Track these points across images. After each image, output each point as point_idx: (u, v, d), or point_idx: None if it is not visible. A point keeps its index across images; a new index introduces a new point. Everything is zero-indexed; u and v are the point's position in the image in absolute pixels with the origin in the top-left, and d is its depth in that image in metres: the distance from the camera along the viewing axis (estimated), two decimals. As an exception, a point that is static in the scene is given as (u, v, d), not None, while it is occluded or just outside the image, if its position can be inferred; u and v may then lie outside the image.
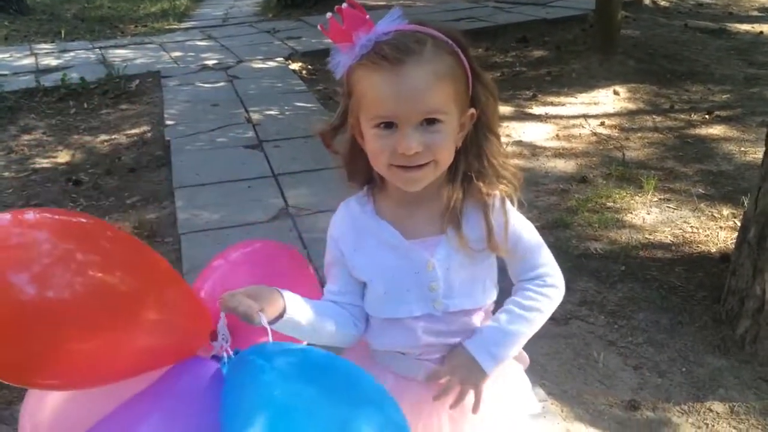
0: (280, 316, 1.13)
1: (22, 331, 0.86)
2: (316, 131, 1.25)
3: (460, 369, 1.23)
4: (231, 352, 1.12)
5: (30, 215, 0.96)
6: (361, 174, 1.25)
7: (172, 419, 1.00)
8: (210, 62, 6.42)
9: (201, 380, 1.06)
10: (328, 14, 1.13)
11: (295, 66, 6.33)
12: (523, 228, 1.30)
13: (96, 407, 1.05)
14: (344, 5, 1.12)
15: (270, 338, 1.06)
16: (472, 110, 1.17)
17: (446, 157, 1.16)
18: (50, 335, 0.88)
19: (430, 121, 1.11)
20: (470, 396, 1.24)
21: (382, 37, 1.09)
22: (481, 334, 1.25)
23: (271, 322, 1.10)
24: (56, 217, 0.99)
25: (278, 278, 1.26)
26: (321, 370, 1.05)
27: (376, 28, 1.11)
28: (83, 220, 1.02)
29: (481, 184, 1.20)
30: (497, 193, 1.23)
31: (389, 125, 1.10)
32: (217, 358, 1.13)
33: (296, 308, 1.15)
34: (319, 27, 1.17)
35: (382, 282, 1.22)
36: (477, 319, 1.27)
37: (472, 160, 1.20)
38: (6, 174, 4.41)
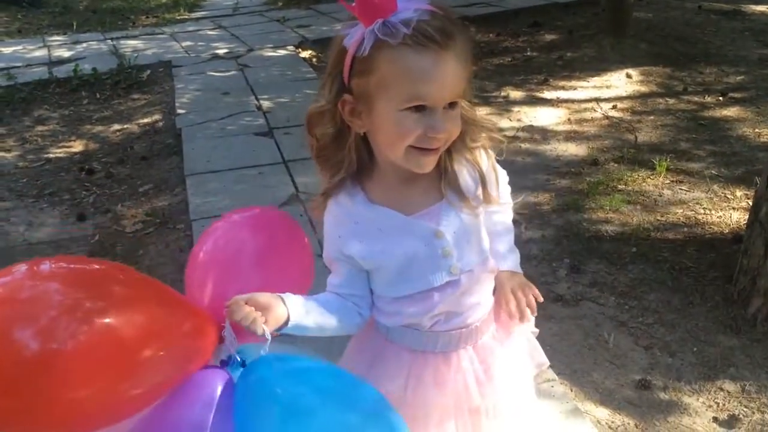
0: (285, 324, 1.15)
1: (23, 385, 0.88)
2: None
3: (512, 280, 1.31)
4: (238, 358, 1.14)
5: (46, 266, 0.97)
6: (335, 165, 1.21)
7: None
8: (220, 51, 6.43)
9: (212, 391, 1.08)
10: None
11: (305, 54, 6.33)
12: (504, 177, 1.37)
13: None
14: None
15: (267, 347, 1.09)
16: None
17: (455, 137, 1.17)
18: (52, 386, 0.89)
19: (452, 104, 1.12)
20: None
21: (421, 16, 1.05)
22: (506, 262, 1.35)
23: (276, 330, 1.12)
24: (71, 266, 1.01)
25: (275, 243, 1.31)
26: (324, 378, 1.10)
27: (403, 5, 1.06)
28: (97, 266, 1.03)
29: (466, 141, 1.21)
30: (480, 146, 1.23)
31: (420, 108, 1.09)
32: (224, 362, 1.15)
33: (299, 313, 1.16)
34: (339, 1, 1.12)
35: (395, 265, 1.21)
36: (489, 269, 1.29)
37: None
38: (20, 164, 4.46)
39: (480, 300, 1.29)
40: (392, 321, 1.26)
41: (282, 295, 1.16)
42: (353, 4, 1.08)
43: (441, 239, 1.20)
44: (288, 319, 1.14)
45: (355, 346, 1.36)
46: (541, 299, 1.30)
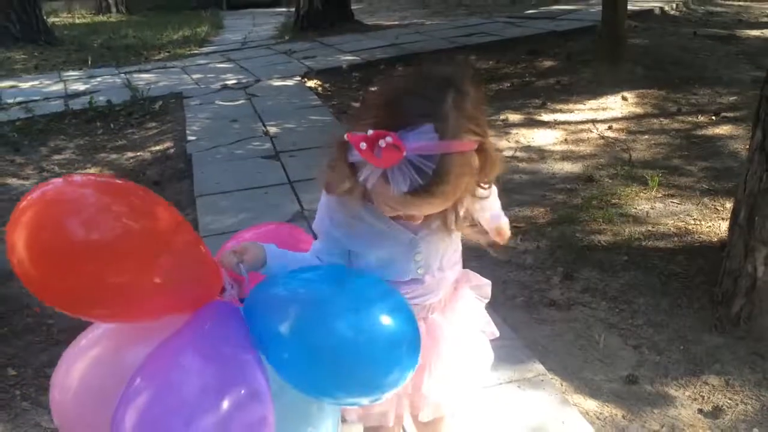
0: (262, 265, 1.34)
1: (75, 267, 1.08)
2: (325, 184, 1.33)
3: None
4: (238, 298, 1.30)
5: (77, 178, 1.21)
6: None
7: (204, 347, 1.18)
8: (229, 82, 6.67)
9: (222, 312, 1.26)
10: (363, 144, 1.11)
11: (311, 83, 6.56)
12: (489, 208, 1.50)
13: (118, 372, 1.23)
14: (371, 134, 1.11)
15: (246, 281, 1.30)
16: None
17: None
18: (95, 270, 1.08)
19: None
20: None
21: (416, 161, 1.10)
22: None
23: (255, 270, 1.33)
24: (98, 179, 1.23)
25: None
26: (327, 274, 1.30)
27: (408, 145, 1.10)
28: (119, 181, 1.24)
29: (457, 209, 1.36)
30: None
31: None
32: (223, 289, 1.33)
33: (276, 258, 1.35)
34: (347, 138, 1.15)
35: (375, 259, 1.39)
36: (450, 276, 1.48)
37: None
38: (38, 190, 4.65)
39: (437, 291, 1.47)
40: None
41: (265, 245, 1.35)
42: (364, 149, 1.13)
43: (417, 247, 1.38)
44: (265, 261, 1.33)
45: None
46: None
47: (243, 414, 1.11)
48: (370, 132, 1.11)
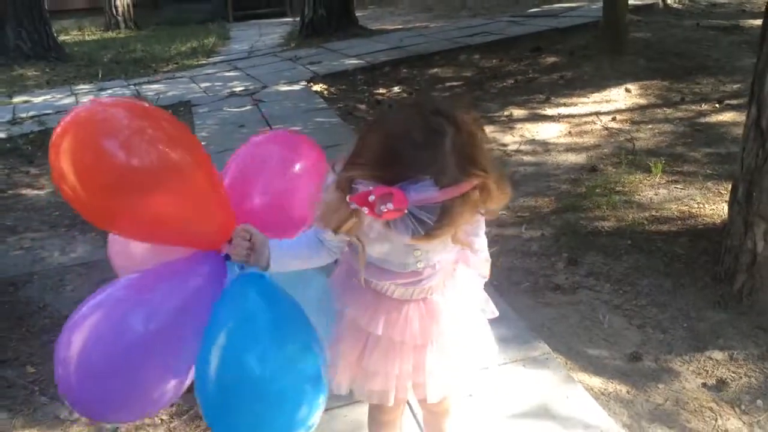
0: (264, 267, 1.40)
1: (116, 190, 1.15)
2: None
3: None
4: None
5: (106, 99, 1.24)
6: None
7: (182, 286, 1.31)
8: (237, 89, 6.77)
9: (210, 269, 1.37)
10: (365, 209, 1.15)
11: (317, 87, 6.63)
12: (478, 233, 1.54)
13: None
14: (372, 198, 1.14)
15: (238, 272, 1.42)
16: None
17: None
18: (133, 195, 1.16)
19: None
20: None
21: (417, 213, 1.15)
22: None
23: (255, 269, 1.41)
24: (127, 101, 1.27)
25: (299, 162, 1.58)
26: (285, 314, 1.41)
27: (410, 199, 1.13)
28: (146, 104, 1.30)
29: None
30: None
31: None
32: (228, 257, 1.44)
33: (278, 266, 1.41)
34: (349, 200, 1.18)
35: (376, 254, 1.41)
36: (447, 267, 1.49)
37: None
38: (53, 199, 4.74)
39: (436, 278, 1.48)
40: (368, 274, 1.46)
41: (274, 245, 1.39)
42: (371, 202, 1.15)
43: (417, 246, 1.38)
44: (267, 267, 1.40)
45: (336, 272, 1.58)
46: None
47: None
48: (372, 197, 1.13)
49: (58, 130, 1.15)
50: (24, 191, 4.87)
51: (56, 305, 3.16)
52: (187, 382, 1.44)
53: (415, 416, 2.09)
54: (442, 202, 1.15)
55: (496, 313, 1.62)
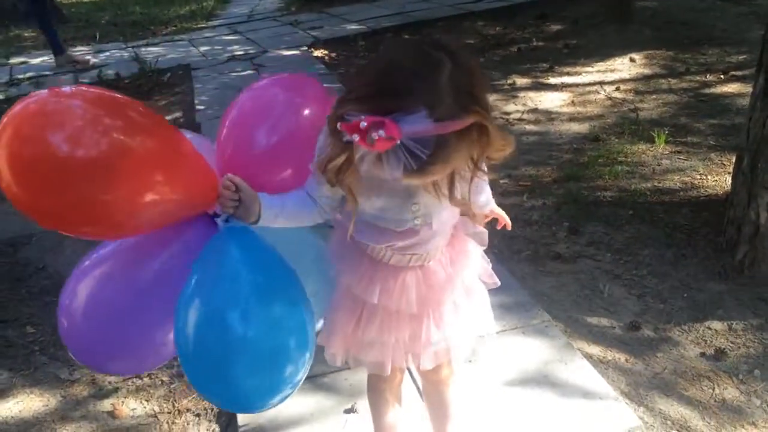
0: (254, 221, 1.36)
1: (59, 184, 1.06)
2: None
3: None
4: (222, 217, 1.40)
5: (66, 89, 1.15)
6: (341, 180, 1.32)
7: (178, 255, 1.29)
8: (236, 53, 6.68)
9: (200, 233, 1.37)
10: (355, 136, 1.10)
11: (318, 53, 6.55)
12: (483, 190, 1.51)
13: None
14: (364, 125, 1.08)
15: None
16: None
17: None
18: (82, 188, 1.07)
19: None
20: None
21: (410, 145, 1.09)
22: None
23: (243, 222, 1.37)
24: (90, 89, 1.19)
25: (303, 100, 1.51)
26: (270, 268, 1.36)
27: (402, 131, 1.08)
28: (117, 95, 1.20)
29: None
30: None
31: None
32: (216, 214, 1.42)
33: (267, 219, 1.37)
34: (340, 127, 1.12)
35: (370, 209, 1.36)
36: (445, 230, 1.46)
37: None
38: (50, 162, 4.72)
39: (433, 242, 1.45)
40: (362, 235, 1.42)
41: (263, 199, 1.35)
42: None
43: (414, 197, 1.35)
44: (258, 219, 1.36)
45: (333, 238, 1.53)
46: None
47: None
48: (363, 123, 1.07)
49: (3, 121, 1.08)
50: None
51: (55, 266, 3.15)
52: None
53: (415, 382, 2.09)
54: (436, 136, 1.09)
55: (498, 283, 1.60)
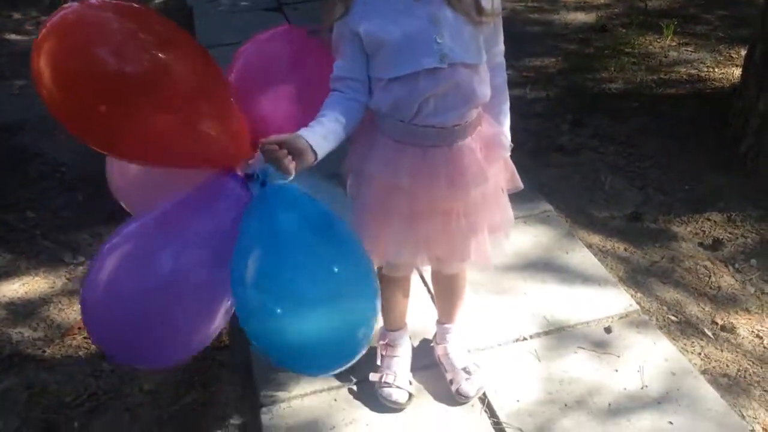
0: (315, 160, 1.30)
1: (103, 98, 1.03)
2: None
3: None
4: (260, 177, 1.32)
5: (94, 1, 1.11)
6: None
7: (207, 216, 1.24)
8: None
9: (232, 193, 1.29)
10: None
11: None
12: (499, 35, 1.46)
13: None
14: None
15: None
16: None
17: None
18: (128, 106, 1.04)
19: None
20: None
21: None
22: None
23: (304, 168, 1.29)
24: (117, 3, 1.13)
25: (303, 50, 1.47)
26: (325, 228, 1.27)
27: None
28: (135, 5, 1.15)
29: None
30: None
31: None
32: (249, 176, 1.33)
33: (322, 149, 1.31)
34: None
35: (393, 42, 1.33)
36: (473, 78, 1.39)
37: None
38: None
39: (461, 105, 1.40)
40: (384, 102, 1.39)
41: (306, 136, 1.29)
42: None
43: (437, 26, 1.32)
44: (315, 158, 1.29)
45: (355, 140, 1.49)
46: None
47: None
48: None
49: (44, 31, 1.03)
50: (8, 36, 4.67)
51: (51, 152, 3.11)
52: (218, 326, 1.35)
53: (418, 269, 2.12)
54: None
55: (521, 186, 1.59)
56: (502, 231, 1.60)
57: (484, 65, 1.42)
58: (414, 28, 1.32)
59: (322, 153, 1.31)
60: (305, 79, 1.50)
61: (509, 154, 1.58)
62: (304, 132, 1.30)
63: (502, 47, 1.50)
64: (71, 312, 2.20)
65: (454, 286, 1.75)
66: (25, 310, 2.23)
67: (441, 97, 1.38)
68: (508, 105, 1.56)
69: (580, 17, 4.23)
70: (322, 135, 1.32)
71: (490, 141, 1.50)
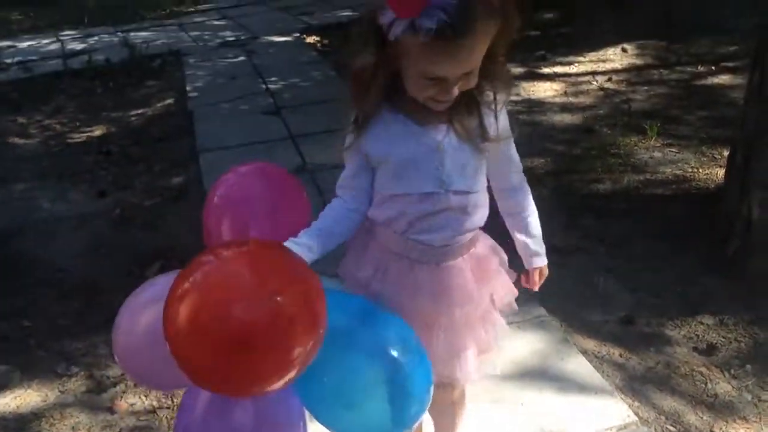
0: None
1: (233, 361, 1.07)
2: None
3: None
4: None
5: (231, 252, 1.17)
6: (369, 101, 1.37)
7: None
8: (228, 39, 6.63)
9: None
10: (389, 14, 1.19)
11: (310, 39, 6.52)
12: (508, 127, 1.48)
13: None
14: None
15: None
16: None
17: (470, 87, 1.35)
18: (253, 361, 1.08)
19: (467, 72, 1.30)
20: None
21: (443, 15, 1.15)
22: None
23: None
24: (251, 248, 1.21)
25: (280, 189, 1.53)
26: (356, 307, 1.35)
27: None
28: (273, 248, 1.23)
29: (482, 89, 1.37)
30: (490, 92, 1.40)
31: (436, 79, 1.28)
32: None
33: (309, 259, 1.35)
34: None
35: (397, 162, 1.39)
36: (467, 204, 1.44)
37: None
38: (41, 150, 4.66)
39: (452, 228, 1.44)
40: (380, 214, 1.45)
41: (298, 245, 1.35)
42: None
43: (440, 152, 1.37)
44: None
45: (350, 244, 1.54)
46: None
47: None
48: None
49: (184, 285, 1.09)
50: (12, 140, 4.80)
51: (48, 258, 3.14)
52: None
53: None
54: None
55: (516, 308, 1.63)
56: (492, 351, 1.59)
57: (483, 192, 1.47)
58: (418, 154, 1.38)
59: (309, 259, 1.35)
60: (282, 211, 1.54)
61: (544, 263, 1.72)
62: (289, 243, 1.35)
63: (519, 166, 1.55)
64: (62, 427, 2.17)
65: (450, 415, 1.75)
66: (16, 425, 2.20)
67: (432, 217, 1.42)
68: (535, 217, 1.66)
69: (567, 118, 4.39)
70: (310, 248, 1.37)
71: (483, 260, 1.54)
